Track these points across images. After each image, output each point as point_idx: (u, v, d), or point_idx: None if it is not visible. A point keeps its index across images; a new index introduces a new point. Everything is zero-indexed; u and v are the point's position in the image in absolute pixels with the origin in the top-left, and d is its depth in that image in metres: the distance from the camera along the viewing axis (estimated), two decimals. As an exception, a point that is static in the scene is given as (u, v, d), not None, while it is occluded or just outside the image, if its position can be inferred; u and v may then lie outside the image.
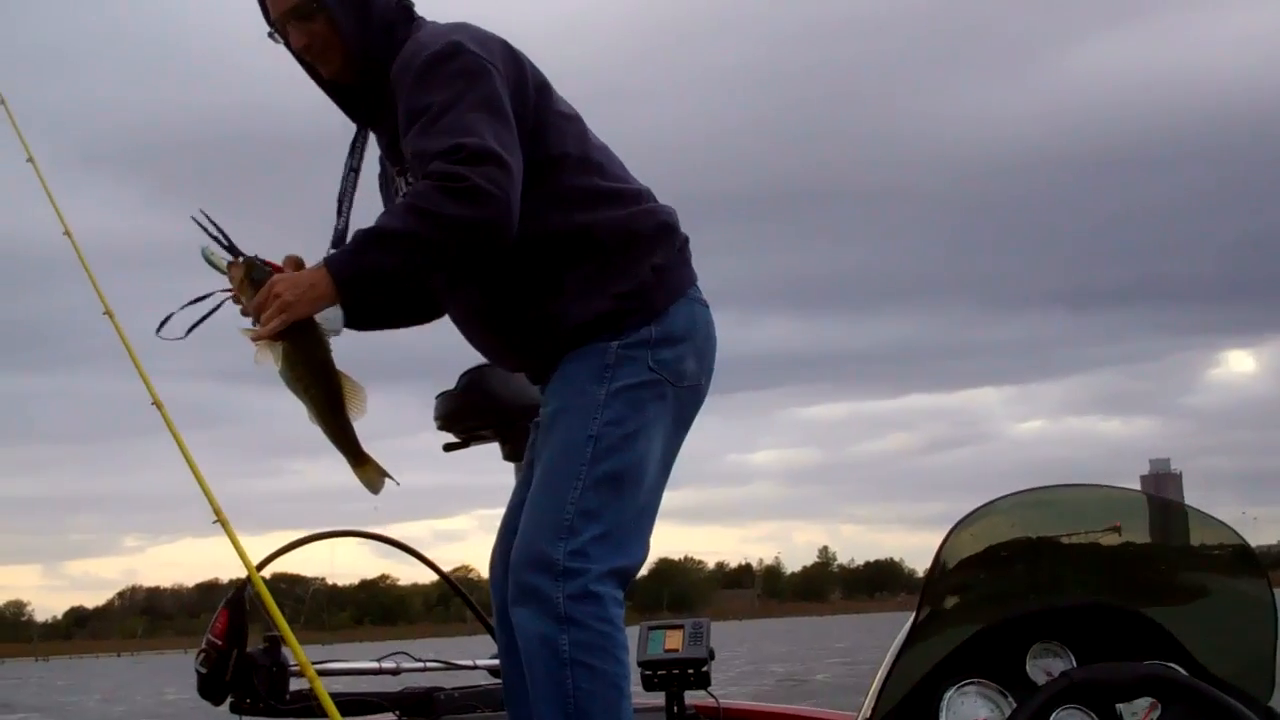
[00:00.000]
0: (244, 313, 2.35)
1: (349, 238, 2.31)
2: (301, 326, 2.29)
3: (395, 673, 3.26)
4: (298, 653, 2.42)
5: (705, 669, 2.88)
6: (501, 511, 2.58)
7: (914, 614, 2.13)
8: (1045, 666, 2.11)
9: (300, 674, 2.84)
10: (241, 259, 2.35)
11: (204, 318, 2.42)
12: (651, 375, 2.36)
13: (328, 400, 2.36)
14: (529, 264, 2.35)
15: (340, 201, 2.52)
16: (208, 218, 2.39)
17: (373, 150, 2.54)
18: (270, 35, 2.48)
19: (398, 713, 3.14)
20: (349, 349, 2.43)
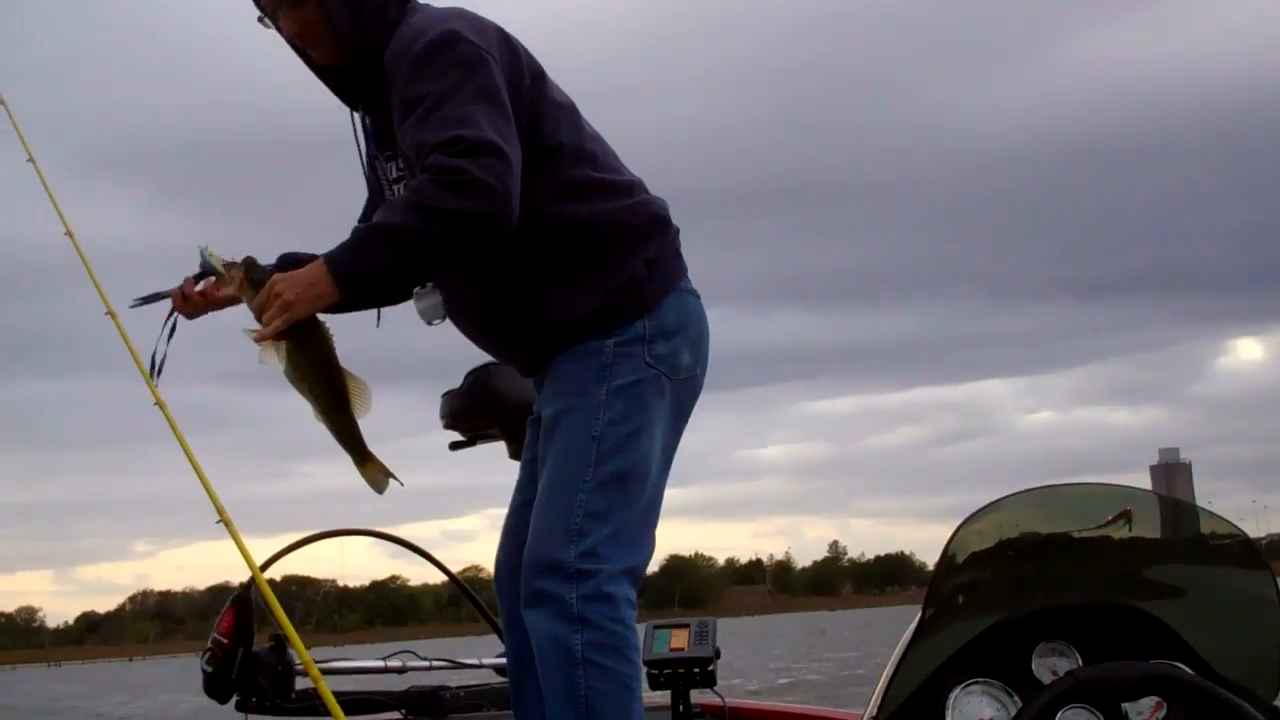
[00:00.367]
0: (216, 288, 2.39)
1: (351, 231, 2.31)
2: (304, 325, 2.29)
3: (401, 671, 3.27)
4: (300, 650, 2.42)
5: (711, 668, 2.88)
6: (510, 511, 2.58)
7: (920, 612, 2.13)
8: (1051, 665, 2.11)
9: (306, 673, 2.84)
10: (240, 259, 2.36)
11: (152, 297, 2.51)
12: (649, 370, 2.35)
13: (332, 398, 2.36)
14: (520, 255, 2.33)
15: (373, 189, 2.52)
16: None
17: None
18: (260, 20, 2.45)
19: (403, 712, 3.14)
20: (357, 350, 2.43)
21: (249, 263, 2.36)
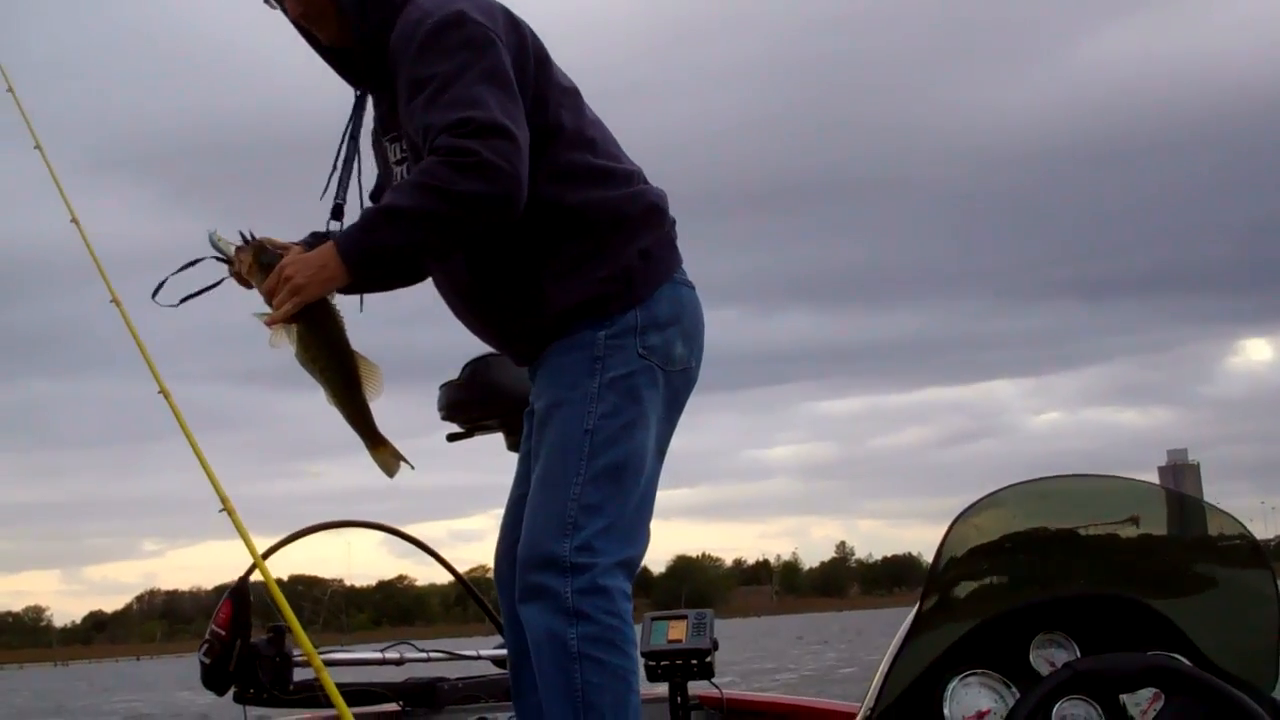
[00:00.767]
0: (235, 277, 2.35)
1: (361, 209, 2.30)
2: (315, 307, 2.29)
3: (399, 663, 3.27)
4: (302, 640, 2.41)
5: (709, 660, 2.88)
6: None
7: (917, 604, 2.12)
8: (1049, 657, 2.10)
9: (304, 664, 2.84)
10: (250, 243, 2.36)
11: (201, 291, 2.43)
12: (642, 362, 2.34)
13: (344, 381, 2.36)
14: (514, 239, 2.32)
15: (337, 170, 2.48)
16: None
17: (368, 114, 2.50)
18: (266, 1, 2.45)
19: (401, 703, 3.14)
20: (360, 349, 2.42)
21: (258, 246, 2.35)
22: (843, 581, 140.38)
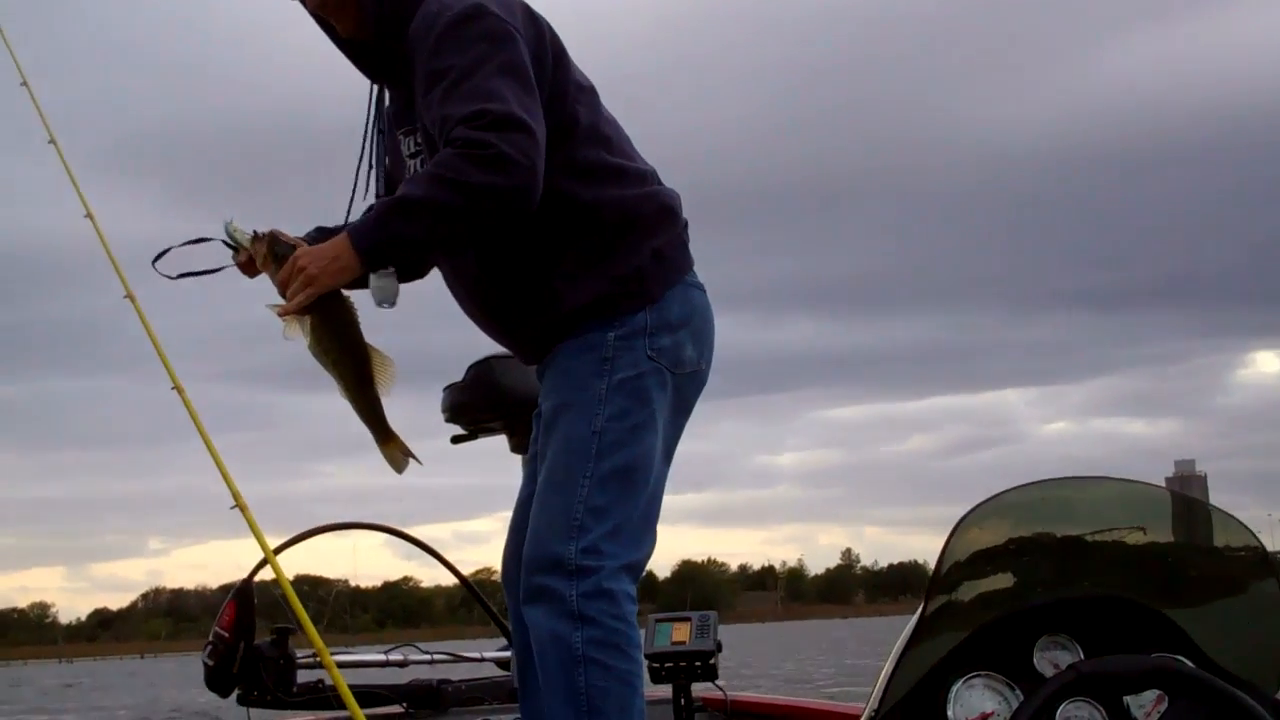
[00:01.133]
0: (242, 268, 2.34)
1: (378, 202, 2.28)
2: (328, 299, 2.28)
3: (403, 665, 3.27)
4: (314, 637, 2.41)
5: (713, 661, 2.88)
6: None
7: (921, 607, 2.12)
8: (1052, 659, 2.09)
9: (307, 666, 2.84)
10: (264, 234, 2.36)
11: (203, 272, 2.44)
12: (651, 364, 2.33)
13: (356, 373, 2.36)
14: (526, 235, 2.31)
15: (370, 165, 2.48)
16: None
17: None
18: None
19: (405, 705, 3.14)
20: (381, 346, 2.42)
21: (272, 237, 2.35)
22: (848, 589, 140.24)
